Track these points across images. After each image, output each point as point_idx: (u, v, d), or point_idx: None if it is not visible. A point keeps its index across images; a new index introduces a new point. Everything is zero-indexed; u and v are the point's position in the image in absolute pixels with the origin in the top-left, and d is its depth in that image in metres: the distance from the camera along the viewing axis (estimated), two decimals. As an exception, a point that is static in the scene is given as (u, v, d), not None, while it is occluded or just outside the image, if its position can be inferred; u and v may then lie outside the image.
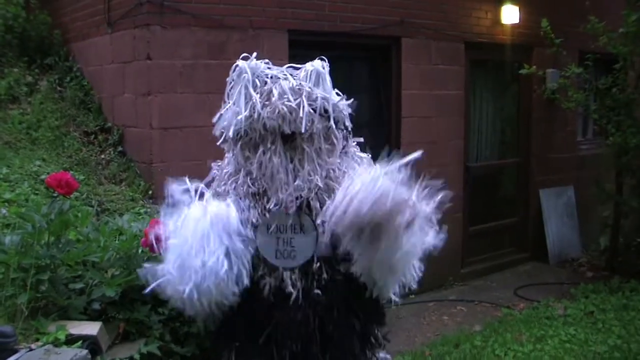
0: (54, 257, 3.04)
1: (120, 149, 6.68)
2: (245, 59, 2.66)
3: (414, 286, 2.74)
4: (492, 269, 9.21)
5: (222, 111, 2.72)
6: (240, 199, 2.75)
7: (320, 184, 2.62)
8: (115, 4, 6.77)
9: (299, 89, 2.54)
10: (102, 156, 6.66)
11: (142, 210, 5.42)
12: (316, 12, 7.01)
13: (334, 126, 2.57)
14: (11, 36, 8.09)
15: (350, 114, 2.72)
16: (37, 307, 2.99)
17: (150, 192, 6.10)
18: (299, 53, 6.68)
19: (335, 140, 2.61)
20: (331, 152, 2.62)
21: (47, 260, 3.02)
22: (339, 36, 7.18)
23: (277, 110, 2.51)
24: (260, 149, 2.62)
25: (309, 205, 2.69)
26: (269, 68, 2.68)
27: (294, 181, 2.61)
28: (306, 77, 2.59)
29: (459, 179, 8.56)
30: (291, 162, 2.61)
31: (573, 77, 8.67)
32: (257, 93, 2.57)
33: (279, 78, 2.61)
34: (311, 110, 2.53)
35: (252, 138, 2.62)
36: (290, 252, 2.69)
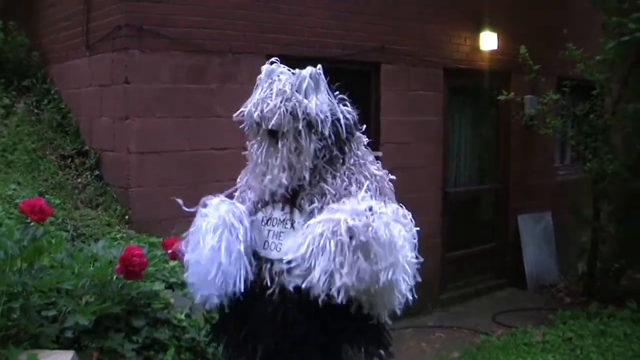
0: (26, 284, 2.98)
1: (97, 173, 6.63)
2: (272, 63, 2.77)
3: (398, 311, 2.69)
4: (471, 295, 9.21)
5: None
6: (244, 192, 2.89)
7: (286, 182, 2.66)
8: (94, 27, 6.74)
9: (282, 91, 2.62)
10: (79, 180, 6.60)
11: (118, 236, 5.36)
12: (296, 37, 7.03)
13: (300, 128, 2.59)
14: (-12, 58, 8.04)
15: (347, 125, 2.73)
16: (8, 335, 2.92)
17: (126, 217, 6.04)
18: (278, 78, 6.70)
19: (303, 142, 2.63)
20: (301, 153, 2.64)
21: (19, 287, 2.96)
22: (319, 62, 7.13)
23: (258, 108, 2.64)
24: (252, 142, 2.76)
25: (301, 203, 2.72)
26: (281, 73, 2.73)
27: (269, 175, 2.69)
28: (295, 80, 2.65)
29: (437, 204, 8.58)
30: (270, 157, 2.69)
31: (551, 104, 8.73)
32: (264, 92, 2.68)
33: (279, 80, 2.68)
34: (283, 111, 2.59)
35: (252, 131, 2.75)
36: (277, 245, 2.73)
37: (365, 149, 2.86)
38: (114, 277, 3.20)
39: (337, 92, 2.74)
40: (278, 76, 2.68)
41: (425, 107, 8.31)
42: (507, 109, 9.45)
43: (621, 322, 7.32)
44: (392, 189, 2.82)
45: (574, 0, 10.00)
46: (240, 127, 2.78)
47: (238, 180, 2.98)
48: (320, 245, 2.42)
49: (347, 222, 2.39)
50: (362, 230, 2.37)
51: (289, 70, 2.71)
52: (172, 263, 4.00)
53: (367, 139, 2.85)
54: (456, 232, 9.13)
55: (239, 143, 2.81)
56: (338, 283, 2.41)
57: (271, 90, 2.65)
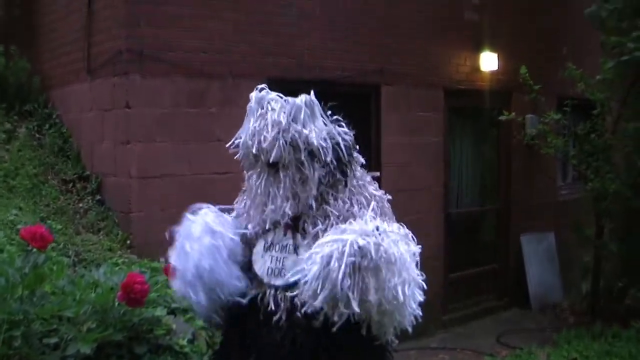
0: (27, 311, 2.97)
1: (98, 197, 6.62)
2: (261, 90, 2.71)
3: (409, 328, 2.68)
4: (474, 316, 9.18)
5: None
6: (240, 216, 2.85)
7: (290, 212, 2.63)
8: (95, 52, 6.77)
9: (277, 122, 2.57)
10: (80, 205, 6.59)
11: (119, 261, 5.33)
12: (296, 60, 7.06)
13: (303, 158, 2.58)
14: (-10, 83, 8.05)
15: (347, 147, 2.71)
16: (10, 363, 2.91)
17: (128, 241, 6.03)
18: (278, 101, 6.71)
19: (307, 172, 2.62)
20: (305, 183, 2.63)
21: (20, 315, 2.95)
22: (319, 84, 7.17)
23: (255, 140, 2.60)
24: (250, 172, 2.73)
25: (305, 227, 2.69)
26: (272, 100, 2.68)
27: (272, 205, 2.66)
28: (290, 110, 2.61)
29: (440, 225, 8.56)
30: (272, 187, 2.65)
31: (552, 123, 8.73)
32: (257, 122, 2.63)
33: (273, 110, 2.63)
34: (283, 143, 2.56)
35: (248, 162, 2.72)
36: (280, 271, 2.70)
37: (363, 170, 2.84)
38: (116, 303, 3.18)
39: (331, 112, 2.70)
40: (269, 104, 2.63)
41: (425, 128, 8.32)
42: (508, 129, 9.45)
43: (626, 342, 7.29)
44: (390, 208, 2.80)
45: (573, 19, 10.01)
46: (235, 156, 2.75)
47: (235, 202, 2.96)
48: (330, 266, 2.37)
49: (358, 242, 2.36)
50: (374, 249, 2.34)
51: (279, 96, 2.66)
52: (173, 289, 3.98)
53: (363, 159, 2.83)
54: (458, 253, 9.11)
55: (241, 167, 2.78)
56: (351, 304, 2.37)
57: (265, 120, 2.60)
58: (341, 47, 7.43)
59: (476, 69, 8.96)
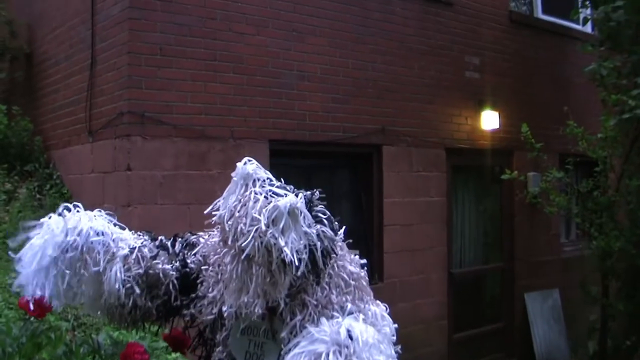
0: (23, 384, 2.91)
1: (98, 259, 6.56)
2: (247, 162, 2.57)
3: None
4: (480, 376, 9.03)
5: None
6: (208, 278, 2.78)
7: (260, 311, 2.51)
8: (97, 113, 6.79)
9: (256, 220, 2.40)
10: (80, 267, 6.53)
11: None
12: (297, 121, 7.06)
13: (274, 266, 2.49)
14: (-8, 142, 8.08)
15: (325, 253, 2.62)
16: None
17: (128, 305, 5.95)
18: (280, 162, 6.72)
19: (277, 277, 2.53)
20: (275, 285, 2.54)
21: (16, 387, 2.89)
22: (320, 145, 7.22)
23: (232, 223, 2.45)
24: (225, 249, 2.59)
25: (282, 314, 2.61)
26: (258, 183, 2.59)
27: (245, 298, 2.51)
28: (271, 213, 2.50)
29: (443, 285, 8.47)
30: (246, 276, 2.49)
31: (554, 181, 8.71)
32: (235, 201, 2.49)
33: (255, 201, 2.52)
34: (258, 245, 2.39)
35: (222, 233, 2.59)
36: (259, 356, 2.66)
37: (342, 244, 2.76)
38: (115, 373, 3.12)
39: (319, 208, 2.57)
40: (253, 190, 2.49)
41: (428, 188, 8.30)
42: (510, 187, 9.43)
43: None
44: (368, 282, 2.75)
45: (573, 77, 10.07)
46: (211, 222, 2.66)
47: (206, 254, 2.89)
48: None
49: (329, 358, 2.32)
50: None
51: (266, 175, 2.53)
52: (173, 355, 3.93)
53: (342, 236, 2.73)
54: (463, 312, 9.00)
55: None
56: None
57: (246, 211, 2.47)
58: (342, 108, 7.44)
59: (477, 127, 8.96)
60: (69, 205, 2.80)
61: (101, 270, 2.70)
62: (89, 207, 6.89)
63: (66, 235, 2.68)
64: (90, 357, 3.42)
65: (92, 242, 2.70)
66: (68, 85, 7.56)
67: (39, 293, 2.72)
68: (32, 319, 3.11)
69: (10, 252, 2.81)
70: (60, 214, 2.78)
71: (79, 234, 2.68)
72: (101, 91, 6.73)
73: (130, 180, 6.14)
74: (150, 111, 6.19)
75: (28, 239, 2.73)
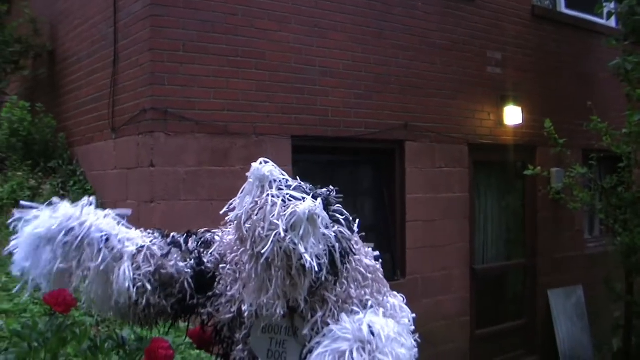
0: (49, 379, 2.93)
1: (122, 256, 6.59)
2: (262, 163, 2.51)
3: None
4: (502, 373, 8.99)
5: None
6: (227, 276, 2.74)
7: (281, 312, 2.48)
8: (120, 110, 6.81)
9: (274, 225, 2.35)
10: (104, 263, 6.56)
11: (142, 321, 5.29)
12: (320, 117, 7.05)
13: (294, 270, 2.47)
14: (16, 139, 8.14)
15: (344, 254, 2.60)
16: None
17: (151, 300, 5.97)
18: (302, 158, 6.72)
19: (297, 280, 2.51)
20: (295, 287, 2.52)
21: (42, 381, 2.91)
22: (343, 141, 7.21)
23: (250, 226, 2.40)
24: (242, 248, 2.55)
25: (303, 312, 2.60)
26: (275, 184, 2.56)
27: (264, 299, 2.49)
28: (289, 219, 2.47)
29: (466, 281, 8.44)
30: (265, 275, 2.45)
31: (578, 177, 8.65)
32: (252, 203, 2.43)
33: (273, 205, 2.49)
34: (277, 250, 2.35)
35: (239, 233, 2.54)
36: (281, 354, 2.65)
37: (358, 239, 2.71)
38: (140, 367, 3.13)
39: (336, 207, 2.52)
40: (270, 192, 2.43)
41: (450, 184, 8.26)
42: (533, 182, 9.38)
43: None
44: (383, 274, 2.74)
45: (596, 71, 9.99)
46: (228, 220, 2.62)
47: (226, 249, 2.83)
48: None
49: (352, 355, 2.32)
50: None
51: (282, 176, 2.47)
52: (196, 351, 3.93)
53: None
54: (486, 308, 8.97)
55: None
56: None
57: (263, 212, 2.41)
58: (364, 103, 7.42)
59: (500, 123, 8.91)
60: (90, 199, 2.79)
61: (101, 268, 2.65)
62: (112, 203, 6.94)
63: (69, 219, 2.66)
64: (114, 352, 3.44)
65: (92, 238, 2.66)
66: (91, 82, 7.59)
67: (26, 265, 2.68)
68: (57, 314, 3.13)
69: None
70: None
71: (81, 224, 2.65)
72: (124, 88, 6.75)
73: (153, 176, 6.15)
74: (173, 107, 6.20)
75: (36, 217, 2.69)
